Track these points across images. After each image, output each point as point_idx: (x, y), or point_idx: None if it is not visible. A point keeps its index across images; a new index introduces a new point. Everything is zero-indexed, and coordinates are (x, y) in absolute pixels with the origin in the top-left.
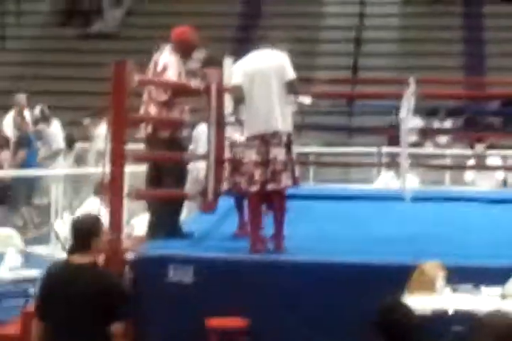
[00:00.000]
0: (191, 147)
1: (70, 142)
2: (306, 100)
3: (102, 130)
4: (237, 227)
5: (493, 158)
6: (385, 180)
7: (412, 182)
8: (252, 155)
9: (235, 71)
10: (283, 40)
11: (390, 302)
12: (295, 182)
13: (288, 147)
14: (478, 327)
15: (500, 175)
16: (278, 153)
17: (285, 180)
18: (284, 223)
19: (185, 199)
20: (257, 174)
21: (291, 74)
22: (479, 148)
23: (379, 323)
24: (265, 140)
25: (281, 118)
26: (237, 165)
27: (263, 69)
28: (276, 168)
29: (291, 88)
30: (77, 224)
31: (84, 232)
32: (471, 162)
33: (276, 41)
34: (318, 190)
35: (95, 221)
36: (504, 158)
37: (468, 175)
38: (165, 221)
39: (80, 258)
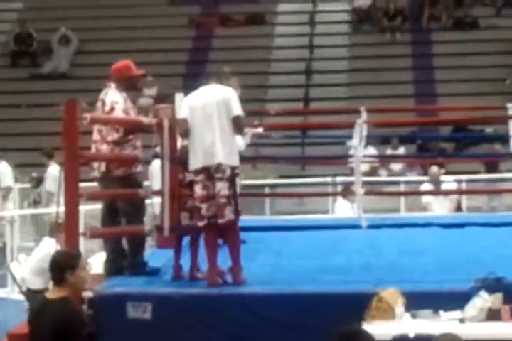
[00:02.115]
0: (147, 183)
1: (37, 182)
2: (258, 130)
3: (52, 170)
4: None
5: (448, 183)
6: (344, 208)
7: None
8: (198, 190)
9: (182, 105)
10: (233, 74)
11: (350, 329)
12: (237, 215)
13: (231, 181)
14: None
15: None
16: (222, 188)
17: (228, 214)
18: (239, 256)
19: (145, 236)
20: (204, 209)
21: (236, 110)
22: (434, 169)
23: None
24: (209, 174)
25: (223, 152)
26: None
27: (207, 103)
28: (220, 202)
29: (237, 124)
30: (53, 258)
31: (60, 266)
32: (427, 186)
33: (227, 75)
34: (274, 222)
35: (73, 255)
36: (458, 182)
37: (425, 199)
38: (120, 258)
39: (53, 293)
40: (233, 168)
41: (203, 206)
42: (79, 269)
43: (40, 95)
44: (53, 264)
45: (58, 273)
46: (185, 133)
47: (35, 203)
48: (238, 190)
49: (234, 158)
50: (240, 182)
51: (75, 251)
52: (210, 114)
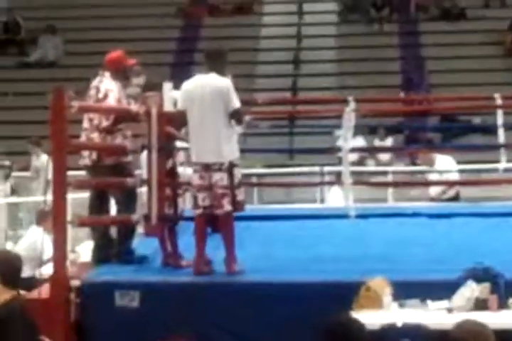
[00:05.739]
0: (138, 172)
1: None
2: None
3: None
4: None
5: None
6: (338, 197)
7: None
8: (195, 180)
9: (180, 95)
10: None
11: (342, 317)
12: (237, 207)
13: (230, 172)
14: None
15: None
16: (219, 178)
17: (226, 205)
18: (233, 247)
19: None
20: (200, 198)
21: (234, 103)
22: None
23: (330, 339)
24: (207, 165)
25: (219, 150)
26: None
27: (203, 96)
28: (217, 193)
29: (236, 117)
30: None
31: None
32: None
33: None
34: (262, 211)
35: None
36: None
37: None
38: (108, 247)
39: None
40: (231, 162)
41: (199, 195)
42: None
43: (27, 84)
44: None
45: None
46: (182, 127)
47: (13, 192)
48: (237, 180)
49: (231, 153)
50: (240, 172)
51: None
52: (205, 109)
